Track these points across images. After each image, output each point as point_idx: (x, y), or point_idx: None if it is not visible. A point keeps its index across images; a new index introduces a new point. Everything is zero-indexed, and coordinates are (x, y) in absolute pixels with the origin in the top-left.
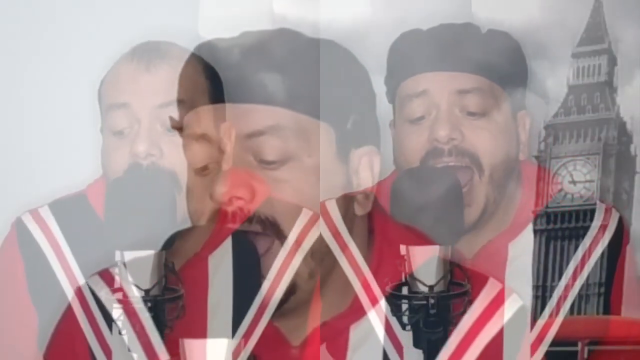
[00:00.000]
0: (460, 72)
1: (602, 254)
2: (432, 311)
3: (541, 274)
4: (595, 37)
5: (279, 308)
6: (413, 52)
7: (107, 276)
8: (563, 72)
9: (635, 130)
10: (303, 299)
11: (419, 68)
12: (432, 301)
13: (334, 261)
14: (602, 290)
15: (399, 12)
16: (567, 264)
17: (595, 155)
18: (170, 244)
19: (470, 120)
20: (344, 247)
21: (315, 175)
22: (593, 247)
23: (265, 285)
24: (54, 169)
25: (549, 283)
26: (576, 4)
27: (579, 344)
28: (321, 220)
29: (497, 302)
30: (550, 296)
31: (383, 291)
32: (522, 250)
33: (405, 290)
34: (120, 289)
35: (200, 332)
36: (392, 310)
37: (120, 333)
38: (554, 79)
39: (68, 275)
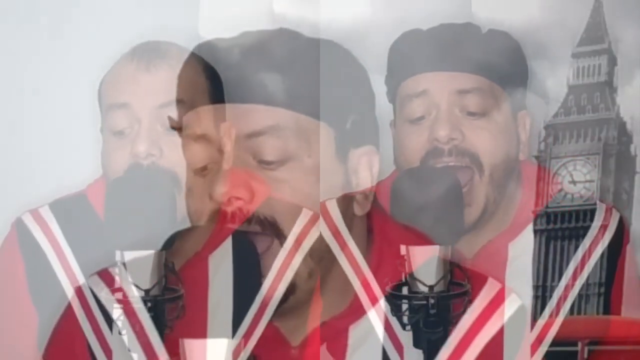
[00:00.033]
0: (461, 72)
1: (602, 254)
2: (432, 311)
3: (541, 274)
4: (595, 37)
5: (278, 308)
6: (413, 52)
7: (106, 276)
8: (563, 72)
9: (635, 130)
10: (302, 299)
11: (419, 68)
12: (432, 301)
13: (333, 261)
14: (602, 290)
15: (399, 12)
16: (567, 264)
17: (595, 155)
18: (170, 244)
19: (470, 120)
20: (343, 246)
21: (315, 175)
22: (593, 247)
23: (265, 285)
24: (54, 169)
25: (549, 283)
26: (576, 4)
27: (579, 344)
28: (321, 220)
29: (497, 302)
30: (550, 296)
31: (382, 291)
32: (522, 250)
33: (405, 290)
34: (120, 289)
35: (201, 332)
36: (392, 310)
37: (120, 333)
38: (554, 79)
39: (68, 275)
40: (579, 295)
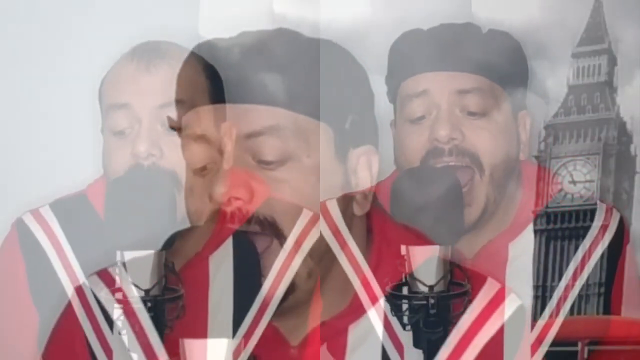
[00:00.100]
0: (461, 72)
1: (603, 254)
2: (432, 311)
3: (541, 274)
4: (595, 37)
5: (277, 307)
6: (413, 52)
7: (105, 276)
8: (563, 72)
9: (635, 130)
10: (302, 299)
11: (420, 68)
12: (432, 301)
13: (333, 261)
14: (602, 290)
15: (399, 12)
16: (567, 264)
17: (595, 155)
18: (170, 244)
19: (470, 120)
20: (343, 245)
21: (314, 175)
22: (593, 247)
23: (266, 285)
24: (55, 169)
25: (549, 283)
26: (576, 4)
27: (579, 344)
28: (321, 220)
29: (496, 301)
30: (551, 296)
31: (382, 290)
32: (522, 250)
33: (405, 290)
34: (120, 289)
35: (201, 332)
36: (392, 310)
37: (120, 333)
38: (554, 79)
39: (69, 275)
40: (579, 295)
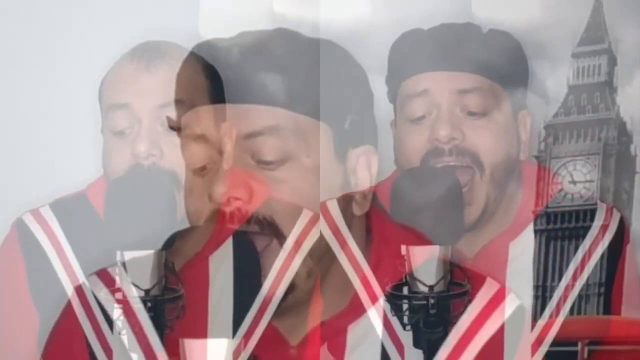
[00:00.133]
0: (461, 71)
1: (603, 254)
2: (432, 311)
3: (541, 274)
4: (595, 37)
5: (277, 307)
6: (414, 52)
7: (105, 276)
8: (563, 72)
9: (635, 130)
10: (301, 298)
11: (420, 68)
12: (432, 301)
13: (332, 260)
14: (602, 290)
15: (399, 12)
16: (567, 264)
17: (595, 155)
18: (170, 244)
19: (471, 120)
20: (343, 245)
21: (314, 175)
22: (593, 247)
23: (266, 285)
24: (55, 170)
25: (549, 283)
26: (576, 4)
27: (579, 344)
28: (321, 219)
29: (495, 301)
30: (551, 296)
31: (382, 290)
32: (522, 250)
33: (405, 290)
34: (120, 289)
35: (201, 332)
36: (392, 310)
37: (120, 333)
38: (554, 79)
39: (69, 275)
40: (579, 296)
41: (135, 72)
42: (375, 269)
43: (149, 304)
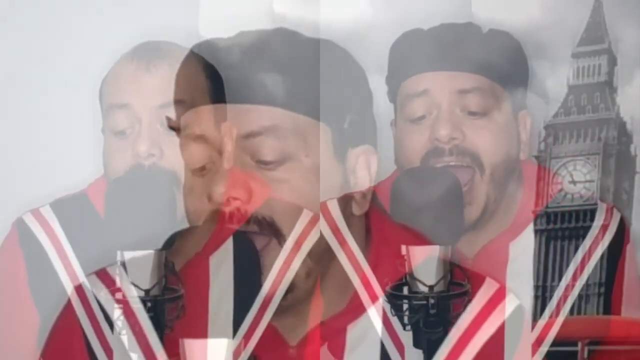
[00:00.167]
0: (461, 71)
1: (603, 254)
2: (432, 311)
3: (541, 274)
4: (595, 37)
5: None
6: (414, 52)
7: (104, 276)
8: (563, 72)
9: (635, 130)
10: (300, 298)
11: (420, 68)
12: (432, 301)
13: (331, 260)
14: (602, 290)
15: (399, 12)
16: (567, 264)
17: (595, 155)
18: (170, 244)
19: (471, 119)
20: (342, 243)
21: (313, 175)
22: (593, 247)
23: (266, 285)
24: (55, 170)
25: (549, 283)
26: (576, 4)
27: (579, 344)
28: (321, 219)
29: (494, 301)
30: (551, 296)
31: (381, 290)
32: (522, 250)
33: (405, 290)
34: (119, 289)
35: (201, 332)
36: (392, 310)
37: (120, 333)
38: (554, 79)
39: (70, 274)
40: (579, 296)
41: (135, 72)
42: (374, 269)
43: (149, 304)
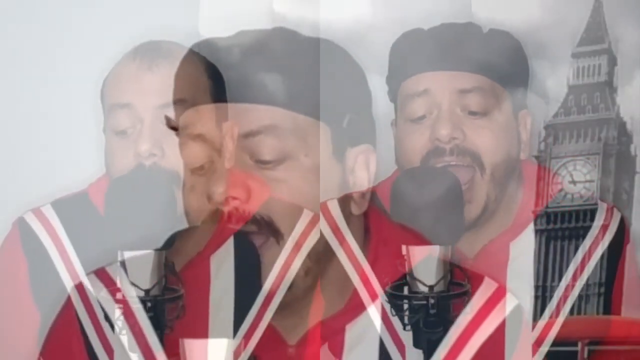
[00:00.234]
0: (462, 71)
1: (603, 254)
2: (432, 311)
3: (541, 274)
4: (595, 37)
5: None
6: (414, 52)
7: (103, 275)
8: (563, 72)
9: (635, 130)
10: (299, 296)
11: (420, 67)
12: (432, 301)
13: (331, 259)
14: (602, 290)
15: (399, 12)
16: (567, 264)
17: (595, 155)
18: (171, 244)
19: (471, 119)
20: (342, 242)
21: (313, 175)
22: (593, 247)
23: (266, 285)
24: (56, 169)
25: (549, 283)
26: (576, 4)
27: (579, 344)
28: (321, 219)
29: (493, 301)
30: (551, 296)
31: (380, 289)
32: (522, 250)
33: (405, 290)
34: (119, 289)
35: (202, 332)
36: (392, 310)
37: (120, 333)
38: (554, 79)
39: (71, 274)
40: (579, 296)
41: (137, 72)
42: (372, 268)
43: (148, 304)
